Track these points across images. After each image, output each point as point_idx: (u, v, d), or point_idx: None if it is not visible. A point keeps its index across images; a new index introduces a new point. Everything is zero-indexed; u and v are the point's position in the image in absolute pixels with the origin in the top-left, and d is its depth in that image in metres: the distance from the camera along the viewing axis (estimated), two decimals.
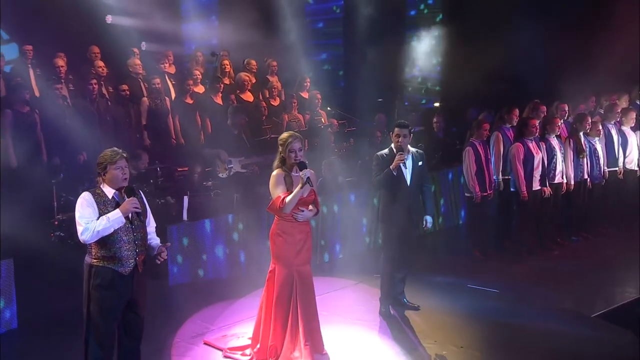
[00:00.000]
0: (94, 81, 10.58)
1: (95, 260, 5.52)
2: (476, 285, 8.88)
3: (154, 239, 5.87)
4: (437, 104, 15.76)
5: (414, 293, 8.20)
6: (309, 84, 12.56)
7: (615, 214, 11.40)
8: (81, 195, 5.53)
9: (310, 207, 6.53)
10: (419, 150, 7.88)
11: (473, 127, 9.96)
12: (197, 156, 10.55)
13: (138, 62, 11.43)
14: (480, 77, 12.83)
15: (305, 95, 12.41)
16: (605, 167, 11.11)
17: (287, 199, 6.30)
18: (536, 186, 9.90)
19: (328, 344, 6.77)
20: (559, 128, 10.36)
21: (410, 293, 8.14)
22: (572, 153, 10.49)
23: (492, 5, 14.02)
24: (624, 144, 11.37)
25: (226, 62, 12.16)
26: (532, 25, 13.37)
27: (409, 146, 7.66)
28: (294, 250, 6.50)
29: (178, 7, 13.22)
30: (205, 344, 7.10)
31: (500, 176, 10.09)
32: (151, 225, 5.88)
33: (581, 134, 10.69)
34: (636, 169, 11.52)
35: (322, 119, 12.04)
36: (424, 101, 16.12)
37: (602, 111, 12.09)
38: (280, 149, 6.47)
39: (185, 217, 9.25)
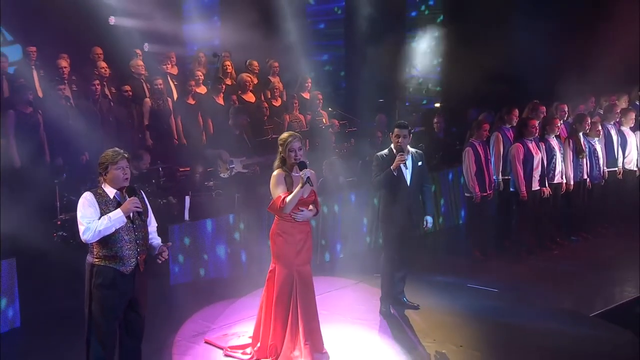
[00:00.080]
0: (97, 82, 10.62)
1: (96, 260, 5.53)
2: (476, 285, 8.92)
3: (155, 239, 5.90)
4: (437, 105, 15.81)
5: (414, 292, 8.24)
6: (310, 84, 12.59)
7: (614, 214, 11.42)
8: (83, 195, 5.55)
9: (310, 207, 6.56)
10: (418, 151, 7.91)
11: (473, 128, 9.99)
12: (199, 156, 10.59)
13: (140, 63, 11.46)
14: (480, 77, 12.88)
15: (306, 95, 12.43)
16: (605, 168, 11.14)
17: (288, 198, 6.34)
18: (535, 186, 9.92)
19: (328, 343, 6.80)
20: (559, 128, 10.38)
21: (410, 292, 8.17)
22: (571, 153, 10.52)
23: (492, 6, 14.07)
24: (623, 144, 11.40)
25: (228, 63, 12.21)
26: (532, 26, 13.36)
27: (408, 146, 7.69)
28: (294, 250, 6.54)
29: (180, 9, 13.25)
30: (206, 342, 7.13)
31: (500, 176, 10.12)
32: (152, 224, 5.90)
33: (581, 134, 10.73)
34: (635, 169, 11.57)
35: (324, 120, 12.07)
36: (424, 102, 16.16)
37: (601, 112, 12.13)
38: (280, 149, 6.51)
39: (186, 216, 9.28)
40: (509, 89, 13.38)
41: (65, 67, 10.68)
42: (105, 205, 5.52)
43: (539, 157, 9.90)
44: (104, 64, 11.18)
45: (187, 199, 9.34)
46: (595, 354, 7.02)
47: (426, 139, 11.96)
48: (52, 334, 7.32)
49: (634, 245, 10.04)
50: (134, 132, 10.91)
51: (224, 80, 11.84)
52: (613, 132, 11.35)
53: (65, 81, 10.59)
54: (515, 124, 10.30)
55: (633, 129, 11.55)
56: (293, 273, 6.55)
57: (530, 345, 7.13)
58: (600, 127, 11.03)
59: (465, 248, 10.48)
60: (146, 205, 5.81)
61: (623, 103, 12.20)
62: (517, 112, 10.52)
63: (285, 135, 6.56)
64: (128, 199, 5.56)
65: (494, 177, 10.07)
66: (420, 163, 7.77)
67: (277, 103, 12.15)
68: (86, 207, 5.47)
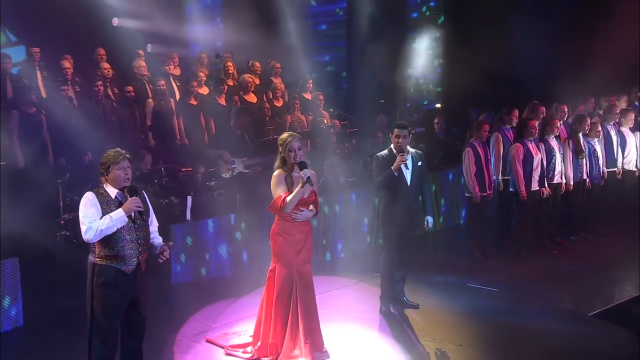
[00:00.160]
0: (100, 83, 10.63)
1: (98, 259, 5.56)
2: (475, 285, 8.95)
3: (157, 238, 5.91)
4: (438, 105, 15.88)
5: (413, 292, 8.26)
6: (311, 85, 12.63)
7: (614, 214, 11.46)
8: (85, 195, 5.57)
9: (311, 207, 6.59)
10: (418, 151, 7.94)
11: (473, 128, 10.03)
12: (201, 156, 10.64)
13: (143, 64, 11.49)
14: (481, 78, 12.93)
15: (308, 96, 12.46)
16: (604, 168, 11.18)
17: (288, 198, 6.38)
18: (535, 186, 9.95)
19: (329, 341, 6.83)
20: (558, 129, 10.41)
21: (410, 292, 8.20)
22: (571, 154, 10.56)
23: (492, 8, 14.11)
24: (623, 145, 11.46)
25: (229, 64, 12.25)
26: (532, 27, 13.45)
27: (408, 147, 7.72)
28: (294, 250, 6.57)
29: (183, 10, 13.29)
30: (207, 341, 7.15)
31: (500, 176, 10.16)
32: (154, 224, 5.92)
33: (580, 134, 10.77)
34: (634, 169, 11.62)
35: (325, 120, 12.12)
36: (425, 102, 16.19)
37: (601, 112, 12.18)
38: (280, 149, 6.55)
39: (188, 216, 9.32)
40: (509, 90, 13.42)
41: (68, 68, 10.70)
42: (106, 205, 5.54)
43: (538, 157, 9.93)
44: (107, 65, 11.20)
45: (189, 198, 9.37)
46: (593, 353, 7.03)
47: (427, 140, 12.04)
48: (55, 333, 7.33)
49: (634, 245, 10.07)
50: (136, 133, 10.93)
51: (226, 81, 11.88)
52: (612, 133, 11.39)
53: (69, 82, 10.62)
54: (515, 125, 10.33)
55: (632, 130, 11.60)
56: (293, 272, 6.58)
57: (530, 345, 7.16)
58: (599, 128, 11.06)
59: (466, 248, 10.52)
60: (147, 205, 5.82)
61: (623, 104, 12.26)
62: (517, 112, 10.55)
63: (285, 135, 6.61)
64: (129, 198, 5.57)
65: (494, 177, 10.11)
66: (420, 163, 7.80)
67: (279, 104, 12.19)
68: (88, 207, 5.50)
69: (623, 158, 11.48)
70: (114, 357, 5.76)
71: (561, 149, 10.40)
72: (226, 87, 11.72)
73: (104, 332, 5.61)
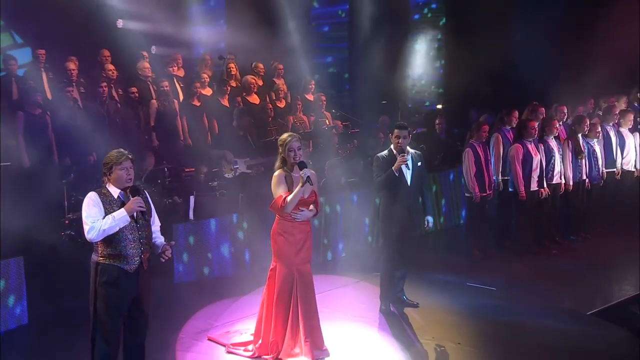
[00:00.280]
0: (104, 84, 10.71)
1: (101, 258, 5.60)
2: (475, 284, 8.99)
3: (159, 238, 5.95)
4: (439, 106, 15.92)
5: (413, 291, 8.31)
6: (313, 86, 12.67)
7: (613, 214, 11.50)
8: (87, 195, 5.60)
9: (311, 207, 6.65)
10: (417, 152, 7.99)
11: (473, 129, 10.09)
12: (204, 157, 10.70)
13: (147, 65, 11.55)
14: (482, 79, 12.99)
15: (310, 97, 12.50)
16: (603, 168, 11.24)
17: (289, 198, 6.45)
18: (534, 187, 10.00)
19: (329, 340, 6.89)
20: (557, 129, 10.46)
21: (410, 291, 8.24)
22: (570, 154, 10.61)
23: (493, 9, 14.15)
24: (622, 145, 11.51)
25: (232, 65, 12.29)
26: (533, 29, 13.48)
27: (408, 147, 7.78)
28: (294, 250, 6.63)
29: (187, 12, 13.28)
30: (209, 339, 7.20)
31: (500, 177, 10.21)
32: (156, 224, 5.95)
33: (580, 135, 10.82)
34: (634, 169, 11.67)
35: (327, 121, 12.16)
36: (427, 103, 16.22)
37: (600, 113, 12.21)
38: (280, 149, 6.62)
39: (191, 216, 9.41)
40: (509, 91, 13.47)
41: (73, 70, 10.79)
42: (109, 205, 5.58)
43: (538, 158, 9.99)
44: (111, 67, 11.27)
45: (192, 198, 9.45)
46: (591, 351, 7.08)
47: (428, 140, 12.11)
48: (59, 331, 7.39)
49: (633, 244, 10.11)
50: (140, 133, 11.00)
51: (229, 82, 11.94)
52: (612, 134, 11.45)
53: (74, 83, 10.70)
54: (515, 125, 10.38)
55: (631, 130, 11.65)
56: (293, 272, 6.64)
57: (528, 343, 7.20)
58: (599, 129, 11.11)
59: (466, 247, 10.54)
60: (150, 204, 5.86)
61: (622, 104, 12.30)
62: (517, 113, 10.61)
63: (284, 135, 6.69)
64: (132, 198, 5.61)
65: (494, 178, 10.16)
66: (419, 163, 7.85)
67: (282, 104, 12.24)
68: (91, 207, 5.53)
69: (622, 158, 11.54)
70: (117, 354, 5.78)
71: (560, 150, 10.44)
72: (229, 88, 11.77)
73: (107, 331, 5.64)
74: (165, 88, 11.18)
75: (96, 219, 5.51)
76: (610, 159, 11.35)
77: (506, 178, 10.16)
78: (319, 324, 6.82)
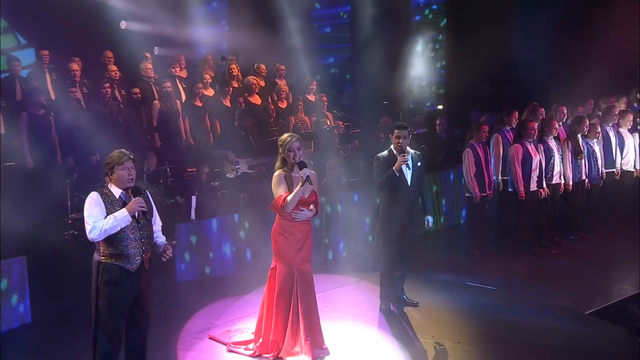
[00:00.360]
0: (107, 85, 10.73)
1: (103, 258, 5.63)
2: (474, 283, 9.02)
3: (160, 237, 5.97)
4: (440, 107, 15.96)
5: (413, 290, 8.34)
6: (315, 86, 12.72)
7: (612, 214, 11.54)
8: (89, 195, 5.63)
9: (311, 207, 6.69)
10: (417, 152, 8.03)
11: (472, 129, 10.13)
12: (206, 157, 10.74)
13: (150, 66, 11.58)
14: (482, 80, 13.02)
15: (311, 98, 12.54)
16: (603, 169, 11.26)
17: (289, 198, 6.49)
18: (534, 187, 10.03)
19: (329, 338, 6.94)
20: (556, 130, 10.48)
21: (410, 290, 8.27)
22: (570, 154, 10.64)
23: (493, 10, 14.19)
24: (621, 146, 11.53)
25: (233, 66, 12.33)
26: (533, 30, 13.49)
27: (407, 147, 7.81)
28: (294, 249, 6.67)
29: (189, 13, 13.31)
30: (210, 338, 7.23)
31: (500, 177, 10.24)
32: (157, 223, 5.98)
33: (579, 135, 10.85)
34: (633, 169, 11.70)
35: (328, 121, 12.20)
36: (428, 104, 16.24)
37: (600, 113, 12.24)
38: (280, 149, 6.67)
39: (193, 216, 9.46)
40: (510, 91, 13.50)
41: (76, 70, 10.82)
42: (111, 205, 5.61)
43: (537, 158, 10.02)
44: (114, 67, 11.30)
45: (194, 198, 9.50)
46: (589, 350, 7.12)
47: (429, 140, 12.16)
48: (62, 330, 7.43)
49: (632, 244, 10.12)
50: (142, 134, 11.05)
51: (231, 83, 11.99)
52: (611, 134, 11.48)
53: (77, 84, 10.75)
54: (514, 126, 10.41)
55: (631, 131, 11.68)
56: (294, 271, 6.68)
57: (527, 342, 7.23)
58: (599, 129, 11.13)
59: (466, 247, 10.58)
60: (151, 204, 5.88)
61: (622, 105, 12.34)
62: (516, 114, 10.64)
63: (284, 136, 6.73)
64: (133, 199, 5.64)
65: (494, 178, 10.20)
66: (419, 164, 7.89)
67: (283, 105, 12.29)
68: (92, 207, 5.57)
69: (621, 159, 11.56)
70: (118, 353, 5.81)
71: (560, 150, 10.47)
72: (231, 88, 11.82)
73: (109, 329, 5.68)
74: (168, 89, 11.21)
75: (98, 219, 5.54)
76: (609, 159, 11.38)
77: (506, 178, 10.18)
78: (319, 323, 6.87)
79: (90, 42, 11.87)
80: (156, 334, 6.48)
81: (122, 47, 11.48)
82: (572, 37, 13.66)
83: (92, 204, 5.60)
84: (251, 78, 12.08)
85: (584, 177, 10.90)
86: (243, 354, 6.87)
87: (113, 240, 5.61)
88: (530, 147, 10.00)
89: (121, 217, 5.56)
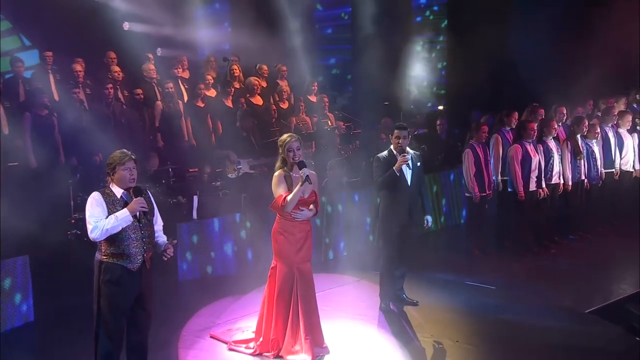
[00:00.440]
0: (110, 85, 10.75)
1: (104, 257, 5.67)
2: (474, 282, 9.06)
3: (161, 237, 6.02)
4: (441, 107, 16.00)
5: (413, 289, 8.37)
6: (316, 87, 12.75)
7: (611, 214, 11.59)
8: (91, 195, 5.67)
9: (311, 207, 6.74)
10: (416, 152, 8.08)
11: (472, 130, 10.18)
12: (207, 157, 10.78)
13: (152, 67, 11.61)
14: (483, 80, 13.04)
15: (313, 98, 12.56)
16: (602, 169, 11.30)
17: (289, 197, 6.54)
18: (533, 187, 10.08)
19: (329, 337, 6.99)
20: (555, 130, 10.51)
21: (410, 289, 8.31)
22: (569, 155, 10.68)
23: (494, 11, 14.22)
24: (620, 146, 11.57)
25: (235, 67, 12.33)
26: (534, 31, 13.53)
27: (407, 147, 7.85)
28: (294, 249, 6.72)
29: (192, 15, 13.36)
30: (211, 337, 7.28)
31: (499, 177, 10.28)
32: (158, 223, 6.01)
33: (578, 136, 10.89)
34: (632, 170, 11.73)
35: (329, 122, 12.22)
36: (429, 104, 16.27)
37: (599, 114, 12.26)
38: (280, 150, 6.73)
39: (195, 215, 9.47)
40: (510, 91, 13.53)
41: (80, 71, 10.86)
42: (112, 205, 5.64)
43: (536, 159, 10.06)
44: (117, 68, 11.35)
45: (195, 198, 9.51)
46: (588, 349, 7.16)
47: (429, 141, 12.19)
48: (64, 329, 7.47)
49: (631, 244, 10.17)
50: (145, 134, 11.08)
51: (233, 84, 12.02)
52: (610, 134, 11.51)
53: (80, 85, 10.77)
54: (514, 126, 10.45)
55: (630, 131, 11.72)
56: (294, 270, 6.72)
57: (526, 341, 7.27)
58: (598, 130, 11.17)
59: (466, 247, 10.62)
60: (152, 204, 5.92)
61: (621, 106, 12.37)
62: (516, 114, 10.67)
63: (284, 136, 6.79)
64: (134, 199, 5.67)
65: (493, 178, 10.24)
66: (418, 164, 7.93)
67: (285, 106, 12.32)
68: (94, 207, 5.61)
69: (620, 159, 11.60)
70: (120, 352, 5.86)
71: (559, 150, 10.51)
72: (233, 89, 11.85)
73: (110, 328, 5.72)
74: (170, 89, 11.24)
75: (99, 219, 5.58)
76: (608, 160, 11.42)
77: (505, 178, 10.21)
78: (319, 322, 6.91)
79: (93, 43, 11.94)
80: (157, 332, 6.52)
81: (125, 48, 11.49)
82: (572, 36, 13.69)
83: (94, 203, 5.64)
84: (253, 79, 12.10)
85: (583, 177, 10.94)
86: (244, 353, 6.91)
87: (114, 239, 5.65)
88: (530, 148, 10.05)
89: (122, 217, 5.60)
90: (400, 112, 13.14)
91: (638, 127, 11.99)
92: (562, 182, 10.56)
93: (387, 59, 13.85)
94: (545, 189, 10.23)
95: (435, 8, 17.30)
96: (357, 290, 8.88)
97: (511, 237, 10.41)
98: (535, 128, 10.17)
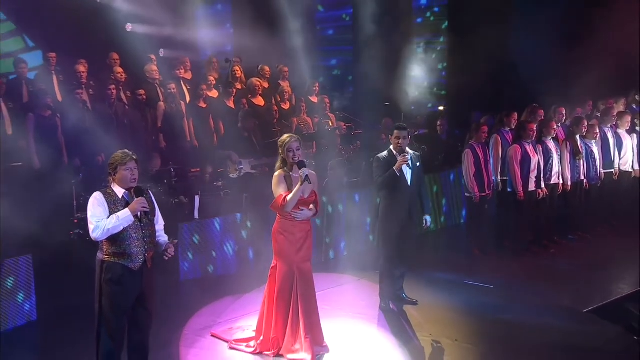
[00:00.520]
0: (113, 86, 10.80)
1: (106, 257, 5.70)
2: (473, 282, 9.09)
3: (162, 237, 6.04)
4: (441, 108, 16.03)
5: (413, 289, 8.41)
6: (317, 88, 12.78)
7: (610, 214, 11.62)
8: (93, 195, 5.71)
9: (311, 206, 6.78)
10: (416, 152, 8.11)
11: (472, 130, 10.22)
12: (209, 158, 10.83)
13: (155, 68, 11.65)
14: (483, 81, 13.06)
15: (314, 99, 12.59)
16: (601, 169, 11.33)
17: (289, 197, 6.59)
18: (532, 187, 10.11)
19: (329, 336, 7.02)
20: (555, 131, 10.54)
21: (410, 289, 8.34)
22: (568, 155, 10.71)
23: (494, 12, 14.25)
24: (619, 146, 11.59)
25: (237, 68, 12.38)
26: (534, 32, 13.55)
27: (407, 148, 7.89)
28: (294, 248, 6.76)
29: (194, 16, 13.41)
30: (212, 336, 7.32)
31: (499, 177, 10.31)
32: (159, 223, 6.05)
33: (578, 136, 10.93)
34: (631, 170, 11.75)
35: (330, 122, 12.25)
36: (429, 105, 16.28)
37: (598, 115, 12.27)
38: (280, 150, 6.77)
39: (196, 215, 9.50)
40: (510, 92, 13.56)
41: (83, 72, 10.91)
42: (114, 205, 5.68)
43: (536, 159, 10.09)
44: (120, 69, 11.39)
45: (197, 198, 9.54)
46: (586, 347, 7.19)
47: (429, 141, 12.22)
48: (66, 328, 7.50)
49: (630, 244, 10.19)
50: (147, 135, 11.12)
51: (235, 85, 12.05)
52: (610, 135, 11.53)
53: (83, 86, 10.82)
54: (514, 127, 10.48)
55: (629, 132, 11.73)
56: (294, 270, 6.76)
57: (525, 340, 7.30)
58: (597, 130, 11.19)
59: (466, 246, 10.65)
60: (153, 204, 5.95)
61: (621, 106, 12.38)
62: (516, 115, 10.69)
63: (284, 137, 6.83)
64: (136, 199, 5.71)
65: (493, 178, 10.27)
66: (418, 164, 7.97)
67: (286, 106, 12.36)
68: (96, 207, 5.64)
69: (619, 159, 11.62)
70: (121, 350, 5.90)
71: (559, 151, 10.54)
72: (235, 90, 11.87)
73: (112, 327, 5.75)
74: (173, 90, 11.27)
75: (101, 219, 5.61)
76: (607, 160, 11.44)
77: (505, 178, 10.24)
78: (319, 321, 6.95)
79: (96, 44, 12.00)
80: (159, 331, 6.56)
81: (127, 50, 11.54)
82: (572, 37, 13.70)
83: (95, 203, 5.68)
84: (255, 80, 12.14)
85: (582, 177, 10.97)
86: (244, 352, 6.94)
87: (116, 239, 5.68)
88: (529, 148, 10.08)
89: (124, 217, 5.63)
90: (401, 112, 13.17)
91: (637, 128, 12.02)
92: (561, 182, 10.59)
93: (387, 60, 13.88)
94: (545, 189, 10.27)
95: (436, 9, 17.31)
96: (357, 290, 8.91)
97: (511, 237, 10.43)
98: (535, 128, 10.21)
